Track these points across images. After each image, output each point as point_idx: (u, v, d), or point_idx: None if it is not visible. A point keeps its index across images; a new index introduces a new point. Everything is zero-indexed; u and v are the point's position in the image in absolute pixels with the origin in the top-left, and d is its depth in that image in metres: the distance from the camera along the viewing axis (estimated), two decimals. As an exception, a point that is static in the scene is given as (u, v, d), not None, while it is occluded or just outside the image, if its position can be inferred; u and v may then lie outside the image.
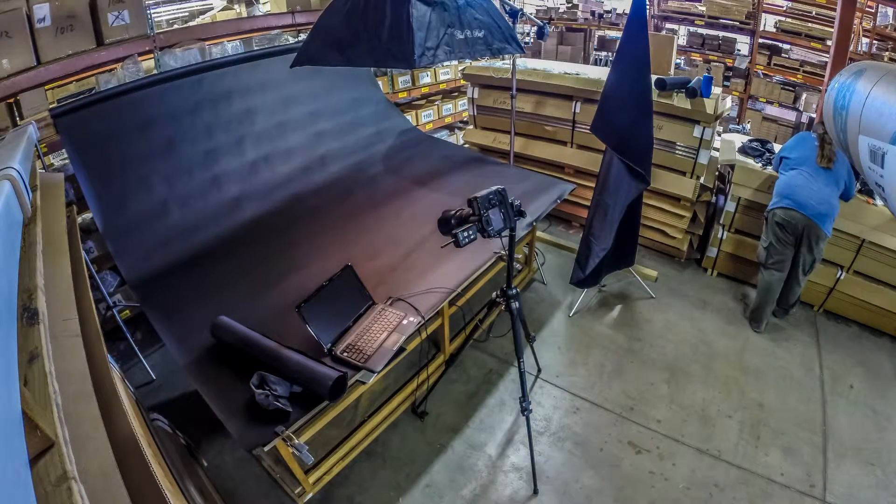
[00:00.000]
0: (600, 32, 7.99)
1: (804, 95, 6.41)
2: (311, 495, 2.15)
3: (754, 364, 3.01)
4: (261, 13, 4.53)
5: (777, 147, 3.62)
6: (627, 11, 3.58)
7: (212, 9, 5.71)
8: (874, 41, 5.60)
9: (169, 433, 2.03)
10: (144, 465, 1.00)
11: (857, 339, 3.22)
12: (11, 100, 2.51)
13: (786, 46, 6.69)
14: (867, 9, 5.58)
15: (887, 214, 2.97)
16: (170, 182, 2.77)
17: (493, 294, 2.28)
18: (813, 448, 2.50)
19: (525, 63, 4.40)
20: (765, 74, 6.83)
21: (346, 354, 1.89)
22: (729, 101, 3.95)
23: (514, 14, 3.27)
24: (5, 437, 0.63)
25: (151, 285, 2.37)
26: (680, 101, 3.43)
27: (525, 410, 2.22)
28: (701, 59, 7.18)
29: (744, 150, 3.56)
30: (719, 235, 3.63)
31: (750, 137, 3.72)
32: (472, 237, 1.80)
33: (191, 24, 4.82)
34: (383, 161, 3.58)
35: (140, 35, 3.02)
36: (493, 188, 1.83)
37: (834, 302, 3.36)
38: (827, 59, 5.44)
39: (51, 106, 2.56)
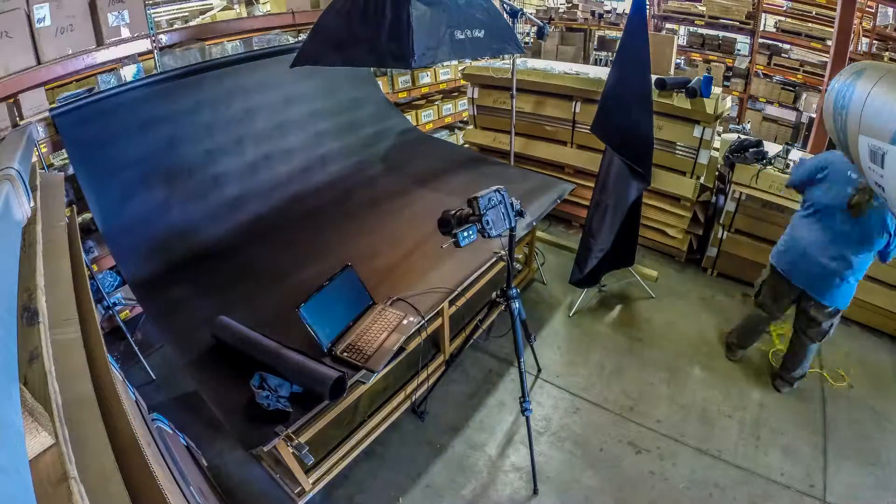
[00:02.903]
0: (600, 32, 7.99)
1: (804, 95, 6.41)
2: (311, 495, 2.14)
3: (754, 364, 3.00)
4: (261, 13, 4.54)
5: (771, 146, 3.56)
6: (627, 11, 3.57)
7: (212, 9, 5.72)
8: (874, 41, 5.60)
9: (169, 433, 2.03)
10: (144, 465, 1.00)
11: (857, 339, 3.22)
12: (11, 100, 2.51)
13: (786, 46, 6.69)
14: (867, 9, 5.58)
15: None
16: (170, 182, 2.76)
17: (493, 294, 2.28)
18: (813, 448, 2.50)
19: (525, 63, 4.40)
20: (765, 74, 6.83)
21: (346, 354, 1.89)
22: (729, 101, 3.95)
23: (514, 14, 3.27)
24: (5, 437, 0.63)
25: (151, 285, 2.37)
26: (680, 101, 3.43)
27: (525, 410, 2.22)
28: (701, 59, 7.18)
29: (731, 161, 3.40)
30: (719, 235, 3.63)
31: (733, 144, 3.46)
32: (472, 237, 1.80)
33: (191, 23, 4.82)
34: (383, 161, 3.57)
35: (140, 35, 3.02)
36: (493, 188, 1.83)
37: (834, 302, 3.35)
38: (827, 59, 5.45)
39: (51, 106, 2.56)
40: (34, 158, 1.99)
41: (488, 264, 2.49)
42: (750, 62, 6.80)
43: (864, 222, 2.22)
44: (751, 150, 3.40)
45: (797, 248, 2.45)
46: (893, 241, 2.23)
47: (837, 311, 2.45)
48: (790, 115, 6.60)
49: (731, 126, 4.51)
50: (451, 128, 5.51)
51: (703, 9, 7.01)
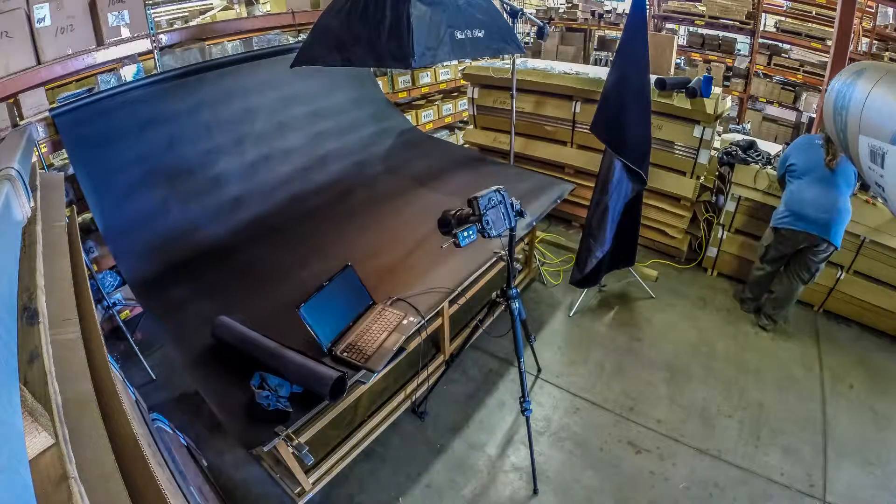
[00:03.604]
0: (600, 32, 7.98)
1: (804, 95, 6.41)
2: (311, 495, 2.15)
3: (754, 364, 3.01)
4: (261, 13, 4.54)
5: (771, 147, 3.61)
6: (627, 11, 3.57)
7: (212, 9, 5.72)
8: (874, 41, 5.60)
9: (169, 433, 2.03)
10: (144, 465, 1.00)
11: (857, 339, 3.22)
12: (11, 100, 2.51)
13: (786, 46, 6.69)
14: (867, 9, 5.58)
15: (887, 214, 2.97)
16: (170, 182, 2.77)
17: (493, 294, 2.28)
18: (813, 448, 2.50)
19: (525, 63, 4.40)
20: (765, 74, 6.83)
21: (346, 354, 1.89)
22: (729, 101, 3.95)
23: (514, 14, 3.27)
24: (5, 437, 0.63)
25: (151, 285, 2.37)
26: (680, 101, 3.43)
27: (525, 410, 2.22)
28: (701, 59, 7.18)
29: (726, 162, 3.47)
30: (719, 235, 3.63)
31: (726, 146, 3.53)
32: (472, 237, 1.80)
33: (191, 23, 4.82)
34: (383, 161, 3.57)
35: (140, 35, 3.02)
36: (493, 188, 1.83)
37: (834, 302, 3.36)
38: (827, 59, 5.44)
39: (51, 106, 2.56)
40: (34, 158, 1.99)
41: (488, 264, 2.49)
42: (750, 62, 6.80)
43: (840, 170, 2.82)
44: (748, 151, 3.41)
45: (804, 203, 2.89)
46: (854, 184, 2.87)
47: (831, 252, 2.92)
48: (790, 115, 6.59)
49: (731, 126, 4.51)
50: (451, 128, 5.52)
51: (703, 9, 7.00)
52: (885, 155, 1.52)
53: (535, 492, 2.30)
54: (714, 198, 3.81)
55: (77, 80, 2.96)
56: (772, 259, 3.16)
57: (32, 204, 1.49)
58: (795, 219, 2.92)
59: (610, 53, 7.32)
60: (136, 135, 2.72)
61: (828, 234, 2.85)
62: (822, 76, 5.78)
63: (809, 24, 6.36)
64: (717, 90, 3.48)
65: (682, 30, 7.70)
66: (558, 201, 3.07)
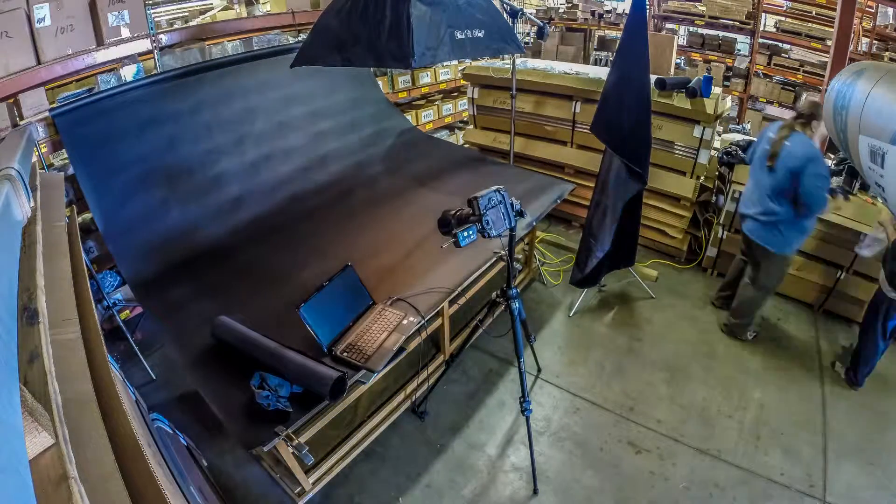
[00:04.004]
0: (600, 32, 7.98)
1: (804, 95, 6.41)
2: (311, 495, 2.15)
3: (754, 364, 3.01)
4: (261, 13, 4.54)
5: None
6: (627, 11, 3.57)
7: (212, 9, 5.71)
8: (874, 41, 5.60)
9: (169, 433, 2.03)
10: (144, 465, 1.00)
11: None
12: (11, 100, 2.51)
13: (786, 46, 6.69)
14: (867, 9, 5.58)
15: (888, 214, 2.97)
16: (170, 182, 2.77)
17: (493, 294, 2.28)
18: (813, 448, 2.50)
19: (525, 63, 4.40)
20: (765, 74, 6.83)
21: (346, 354, 1.89)
22: (729, 101, 3.95)
23: (514, 14, 3.27)
24: (5, 437, 0.63)
25: (151, 285, 2.37)
26: (680, 101, 3.43)
27: (525, 410, 2.22)
28: (701, 59, 7.17)
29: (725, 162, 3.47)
30: (719, 235, 3.63)
31: (726, 146, 3.50)
32: (472, 237, 1.80)
33: (191, 23, 4.82)
34: (383, 161, 3.57)
35: (140, 35, 3.02)
36: (493, 188, 1.83)
37: (834, 302, 3.36)
38: (827, 59, 5.44)
39: (51, 106, 2.56)
40: (34, 158, 1.99)
41: (488, 264, 2.49)
42: (750, 62, 6.80)
43: (775, 174, 2.58)
44: (748, 151, 3.40)
45: (742, 203, 2.90)
46: (809, 200, 2.51)
47: (781, 259, 2.78)
48: (790, 115, 6.59)
49: (731, 126, 4.51)
50: (451, 128, 5.52)
51: (703, 9, 7.00)
52: (885, 155, 1.53)
53: (535, 492, 2.30)
54: (714, 198, 3.82)
55: (77, 80, 2.96)
56: (742, 253, 3.16)
57: (32, 204, 1.49)
58: (741, 213, 2.93)
59: (610, 53, 7.32)
60: (136, 135, 2.72)
61: (753, 235, 2.79)
62: (822, 76, 5.78)
63: (809, 24, 6.36)
64: (717, 90, 3.48)
65: (682, 30, 7.70)
66: (558, 201, 3.07)
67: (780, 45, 6.69)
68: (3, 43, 2.44)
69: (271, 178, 3.14)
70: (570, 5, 8.56)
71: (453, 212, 1.82)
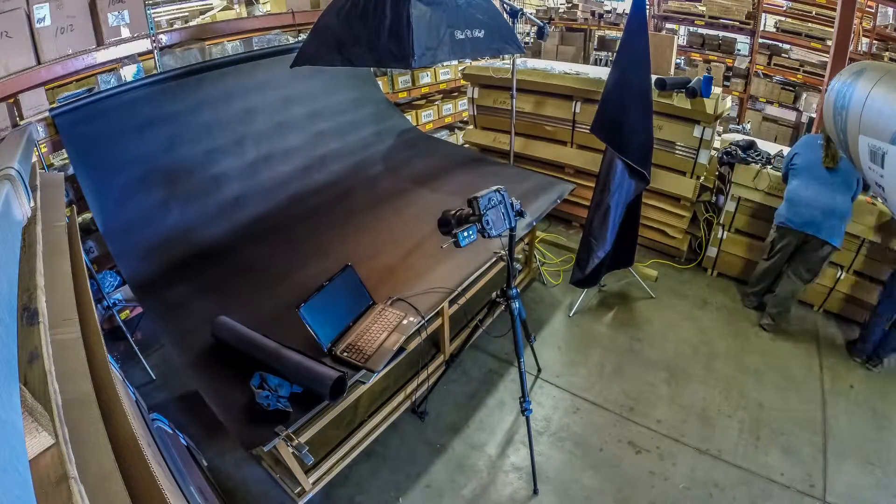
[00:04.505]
0: (600, 32, 7.99)
1: (804, 95, 6.41)
2: (311, 495, 2.14)
3: (754, 364, 3.01)
4: (261, 13, 4.54)
5: (771, 146, 3.62)
6: (627, 11, 3.57)
7: (212, 9, 5.72)
8: (874, 41, 5.60)
9: (169, 433, 2.03)
10: (144, 465, 1.00)
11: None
12: (11, 100, 2.51)
13: (786, 46, 6.69)
14: (867, 9, 5.58)
15: (887, 214, 2.97)
16: (170, 182, 2.76)
17: (493, 294, 2.28)
18: (813, 448, 2.50)
19: (525, 63, 4.40)
20: (765, 74, 6.83)
21: (346, 354, 1.89)
22: (729, 101, 3.94)
23: (514, 14, 3.27)
24: (5, 437, 0.63)
25: (151, 285, 2.36)
26: (680, 101, 3.43)
27: (525, 410, 2.22)
28: (701, 59, 7.18)
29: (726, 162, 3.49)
30: (719, 235, 3.63)
31: (727, 146, 3.54)
32: (472, 237, 1.80)
33: (191, 23, 4.82)
34: (383, 161, 3.57)
35: (140, 35, 3.02)
36: (493, 188, 1.83)
37: (834, 302, 3.36)
38: (827, 59, 5.44)
39: (51, 106, 2.56)
40: (34, 158, 1.99)
41: (488, 264, 2.49)
42: (750, 62, 6.80)
43: (839, 172, 2.83)
44: (748, 151, 3.42)
45: (799, 204, 2.94)
46: (858, 187, 2.85)
47: (829, 252, 2.94)
48: (790, 115, 6.59)
49: (731, 126, 4.51)
50: (451, 128, 5.52)
51: (703, 9, 7.01)
52: (885, 155, 1.53)
53: (535, 492, 2.30)
54: (714, 198, 3.82)
55: (77, 80, 2.96)
56: (775, 255, 3.19)
57: (32, 204, 1.49)
58: (792, 216, 2.98)
59: (610, 53, 7.33)
60: (136, 135, 2.72)
61: (820, 233, 2.88)
62: (822, 76, 5.78)
63: (809, 24, 6.37)
64: (717, 90, 3.48)
65: (682, 30, 7.70)
66: (558, 201, 3.07)
67: (780, 45, 6.70)
68: (3, 43, 2.44)
69: (271, 178, 3.14)
70: (570, 5, 8.57)
71: (453, 212, 1.82)
